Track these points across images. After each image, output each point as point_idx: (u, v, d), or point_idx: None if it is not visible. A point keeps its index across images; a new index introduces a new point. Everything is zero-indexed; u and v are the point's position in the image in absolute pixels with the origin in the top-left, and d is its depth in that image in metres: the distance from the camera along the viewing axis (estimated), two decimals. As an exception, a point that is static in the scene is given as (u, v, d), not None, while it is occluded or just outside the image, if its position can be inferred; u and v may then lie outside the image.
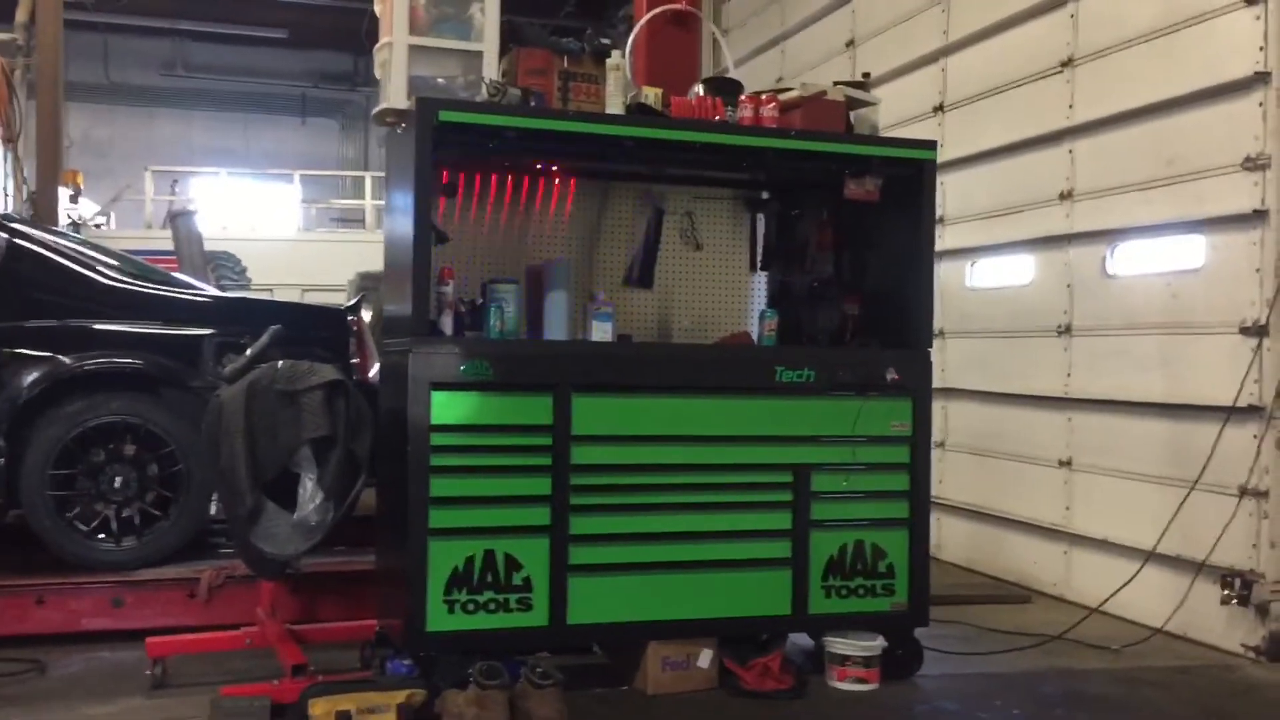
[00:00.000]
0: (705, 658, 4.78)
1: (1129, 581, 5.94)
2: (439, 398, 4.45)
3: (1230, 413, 5.55)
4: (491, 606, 4.49)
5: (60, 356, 5.61)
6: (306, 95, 23.28)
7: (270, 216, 19.59)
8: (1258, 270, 5.52)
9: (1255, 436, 5.48)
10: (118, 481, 5.60)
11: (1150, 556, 5.91)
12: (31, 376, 5.53)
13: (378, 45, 5.01)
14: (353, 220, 20.84)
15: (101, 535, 5.60)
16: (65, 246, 6.12)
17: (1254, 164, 5.52)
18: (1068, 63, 6.86)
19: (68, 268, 5.92)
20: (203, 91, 22.44)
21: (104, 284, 5.93)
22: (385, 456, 4.76)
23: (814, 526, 4.93)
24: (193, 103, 22.56)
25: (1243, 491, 5.51)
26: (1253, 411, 5.50)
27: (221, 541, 5.96)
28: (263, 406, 4.41)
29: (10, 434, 5.49)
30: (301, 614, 5.36)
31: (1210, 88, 5.78)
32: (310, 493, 4.42)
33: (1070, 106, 6.84)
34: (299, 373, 4.50)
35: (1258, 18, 5.53)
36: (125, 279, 6.03)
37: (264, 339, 4.71)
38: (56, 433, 5.52)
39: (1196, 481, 5.70)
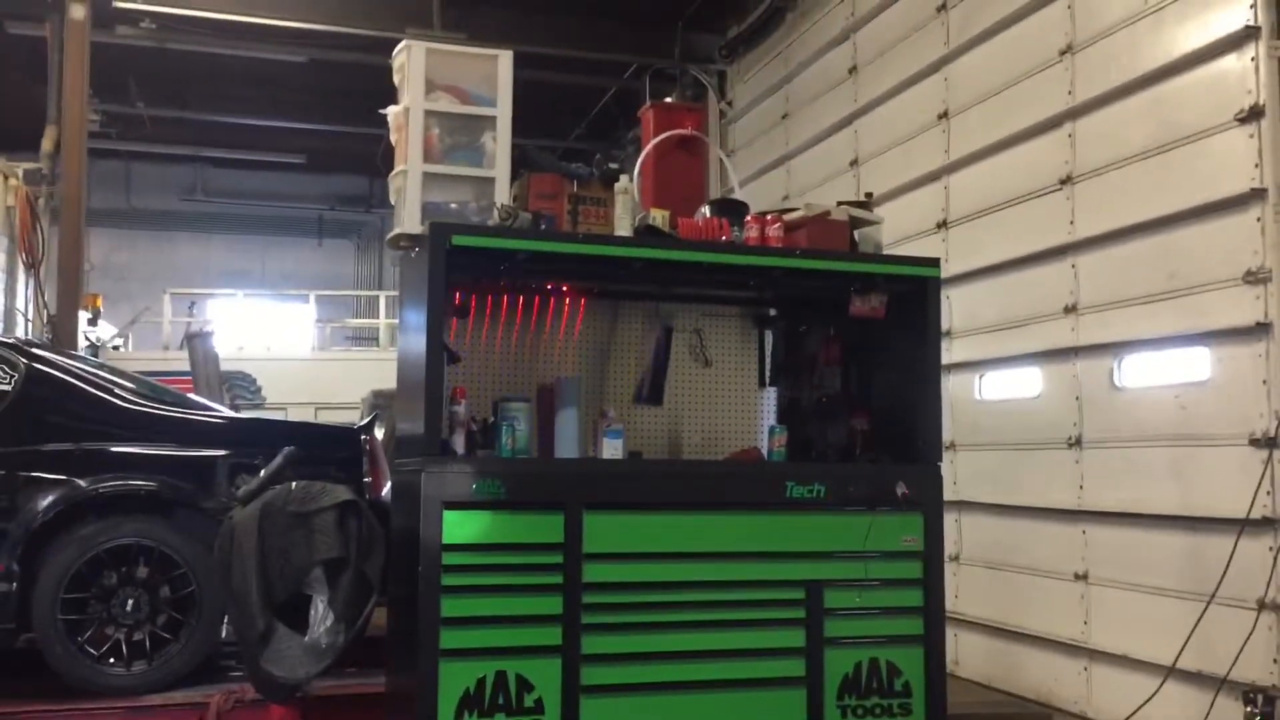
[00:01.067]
0: (720, 781, 4.70)
1: (1150, 699, 5.84)
2: (451, 517, 4.46)
3: (1244, 525, 5.52)
4: (503, 729, 4.44)
5: (76, 480, 5.64)
6: (323, 217, 23.70)
7: (285, 336, 19.79)
8: (1264, 382, 5.55)
9: (1270, 549, 5.44)
10: (129, 605, 5.59)
11: (1170, 672, 5.82)
12: (46, 500, 5.56)
13: (393, 173, 5.15)
14: (366, 338, 21.04)
15: (111, 659, 5.56)
16: (82, 370, 6.20)
17: (1255, 277, 5.59)
18: (1067, 180, 7.00)
19: (84, 391, 5.99)
20: (221, 215, 22.87)
21: (119, 406, 5.99)
22: (397, 576, 4.76)
23: (828, 644, 4.88)
24: (211, 226, 22.98)
25: (1261, 605, 5.45)
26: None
27: (232, 664, 5.91)
28: (275, 528, 4.45)
29: (23, 557, 5.50)
30: (312, 738, 5.29)
31: (1208, 204, 5.89)
32: (321, 614, 4.42)
33: (1071, 222, 6.96)
34: (312, 494, 4.54)
35: (1251, 135, 5.66)
36: (140, 401, 6.10)
37: (277, 460, 4.76)
38: (70, 556, 5.53)
39: (1214, 595, 5.64)
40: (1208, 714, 5.64)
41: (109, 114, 16.19)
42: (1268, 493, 5.47)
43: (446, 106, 5.11)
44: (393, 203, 5.21)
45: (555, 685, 4.51)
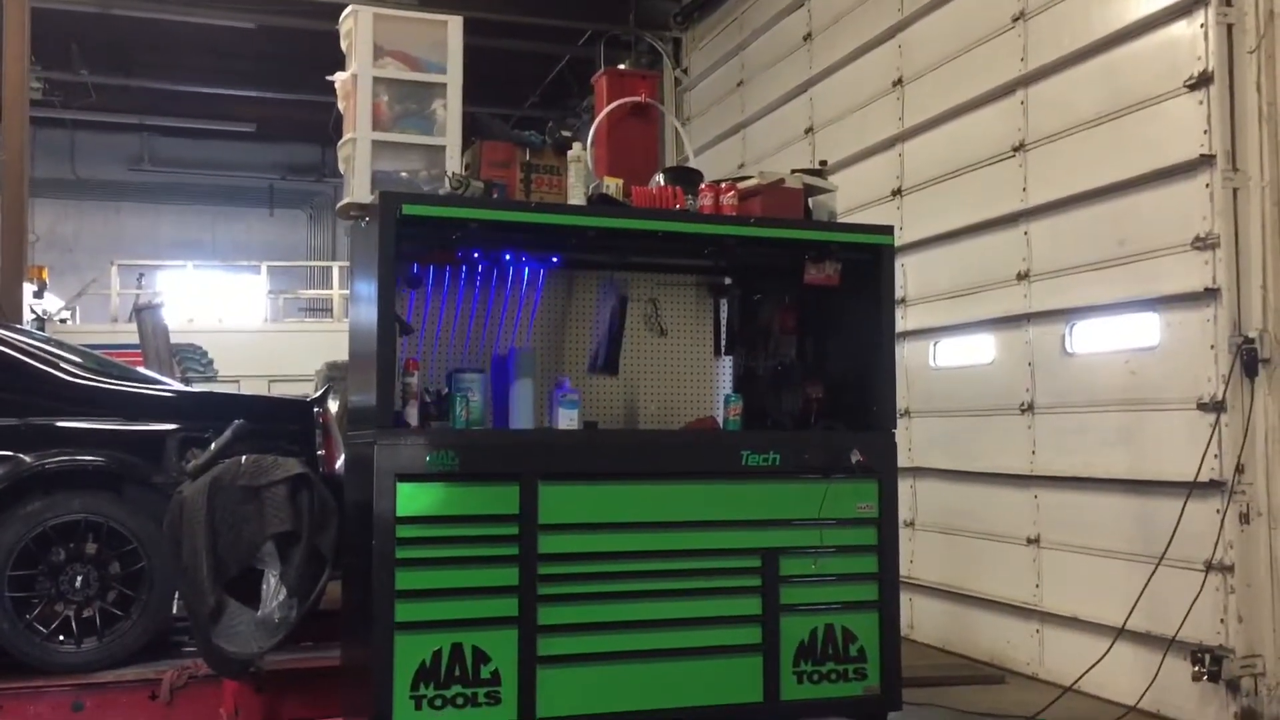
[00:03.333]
0: (677, 748, 4.72)
1: (1100, 660, 5.93)
2: (405, 489, 4.43)
3: (1192, 488, 5.60)
4: (460, 701, 4.42)
5: (21, 455, 5.54)
6: (274, 187, 23.40)
7: (237, 308, 19.57)
8: (1212, 347, 5.62)
9: (1218, 511, 5.52)
10: (78, 581, 5.51)
11: (1120, 634, 5.91)
12: (-9, 476, 5.46)
13: (341, 141, 5.07)
14: (320, 310, 20.85)
15: (61, 637, 5.48)
16: (26, 344, 6.08)
17: (1203, 243, 5.65)
18: (1020, 147, 7.03)
19: (29, 365, 5.88)
20: (170, 185, 22.51)
21: (65, 381, 5.88)
22: (351, 549, 4.72)
23: (784, 611, 4.90)
24: (160, 196, 22.61)
25: (1208, 566, 5.54)
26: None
27: (184, 640, 5.85)
28: (225, 502, 4.39)
29: (-32, 535, 5.40)
30: (266, 713, 5.24)
31: (1158, 170, 5.94)
32: (273, 589, 4.38)
33: (1024, 189, 6.99)
34: (262, 467, 4.49)
35: (1201, 102, 5.70)
36: (87, 375, 5.99)
37: (227, 434, 4.70)
38: (16, 533, 5.43)
39: (1162, 557, 5.73)
40: (1156, 673, 5.74)
41: (52, 81, 15.87)
42: (1215, 456, 5.55)
43: (395, 73, 5.03)
44: (342, 171, 5.13)
45: (512, 656, 4.50)
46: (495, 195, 4.80)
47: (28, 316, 12.14)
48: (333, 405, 6.63)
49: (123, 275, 18.64)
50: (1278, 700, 5.41)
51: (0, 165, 11.26)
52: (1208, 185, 5.66)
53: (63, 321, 17.01)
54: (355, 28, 5.00)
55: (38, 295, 14.33)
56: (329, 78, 5.19)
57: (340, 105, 5.14)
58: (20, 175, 10.97)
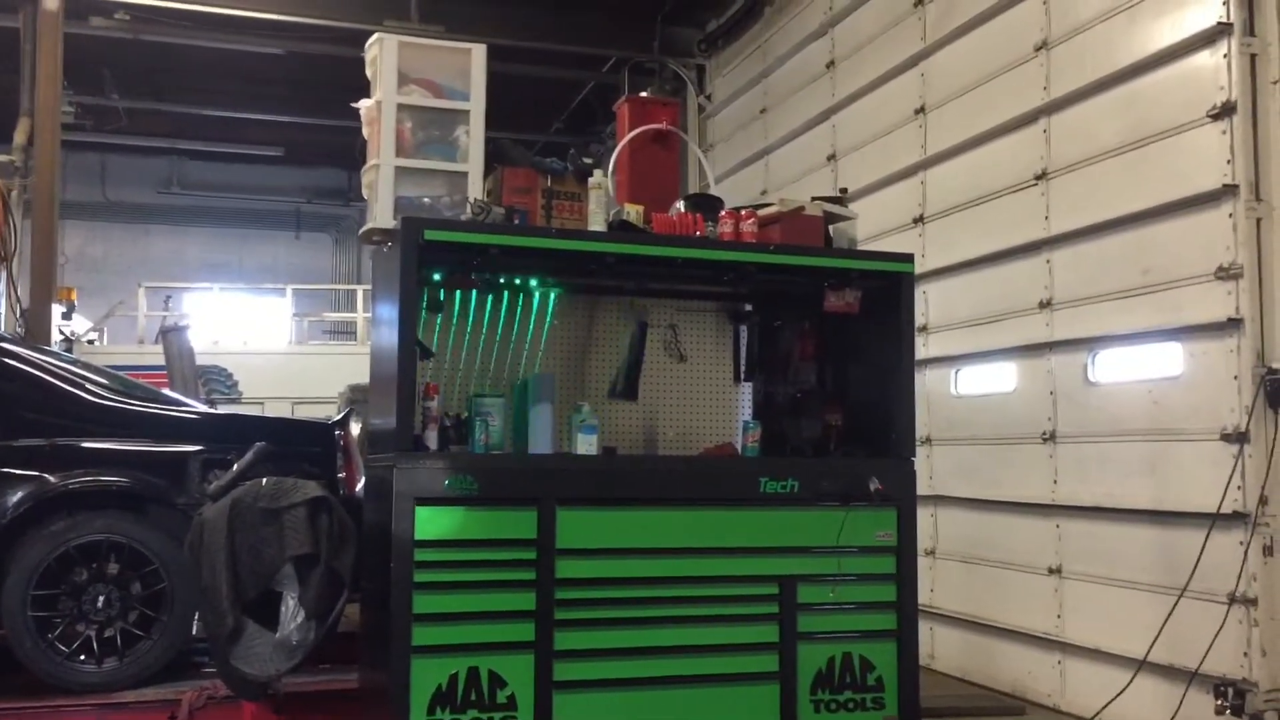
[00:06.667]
0: (693, 776, 4.70)
1: (1122, 692, 5.87)
2: (423, 513, 4.45)
3: (1215, 519, 5.54)
4: (476, 725, 4.43)
5: (46, 475, 5.60)
6: (301, 210, 23.58)
7: (262, 330, 19.71)
8: (1235, 378, 5.57)
9: (1241, 543, 5.47)
10: (100, 601, 5.56)
11: (1142, 665, 5.85)
12: (16, 496, 5.53)
13: (365, 167, 5.13)
14: (344, 333, 20.96)
15: (82, 656, 5.52)
16: (53, 365, 6.16)
17: (1227, 273, 5.61)
18: (1042, 175, 7.01)
19: (55, 386, 5.95)
20: (198, 208, 22.72)
21: (91, 402, 5.95)
22: (370, 572, 4.74)
23: (801, 639, 4.89)
24: (188, 219, 22.83)
25: (1231, 599, 5.48)
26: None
27: (205, 661, 5.89)
28: (246, 524, 4.42)
29: (-8, 554, 5.46)
30: (285, 735, 5.27)
31: (1180, 200, 5.91)
32: (292, 611, 4.40)
33: (1046, 218, 6.97)
34: (283, 490, 4.52)
35: (1224, 132, 5.68)
36: (111, 396, 6.06)
37: (249, 456, 4.74)
38: (40, 552, 5.50)
39: (1185, 589, 5.67)
40: (1179, 707, 5.67)
41: (83, 106, 16.04)
42: (1238, 487, 5.49)
43: (419, 100, 5.09)
44: (366, 197, 5.18)
45: (528, 681, 4.51)
46: (516, 221, 4.85)
47: (56, 337, 12.26)
48: (355, 428, 6.68)
49: (150, 297, 18.82)
50: (1302, 735, 5.34)
51: (31, 188, 11.41)
52: (1230, 215, 5.63)
53: (90, 343, 17.17)
54: (380, 55, 5.07)
55: (66, 316, 14.47)
56: (354, 104, 5.25)
57: (365, 131, 5.19)
58: (50, 198, 11.09)
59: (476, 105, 5.12)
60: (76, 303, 15.77)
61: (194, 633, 5.78)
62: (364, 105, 5.18)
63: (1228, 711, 5.41)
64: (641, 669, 4.67)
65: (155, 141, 19.98)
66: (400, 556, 4.40)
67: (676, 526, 4.79)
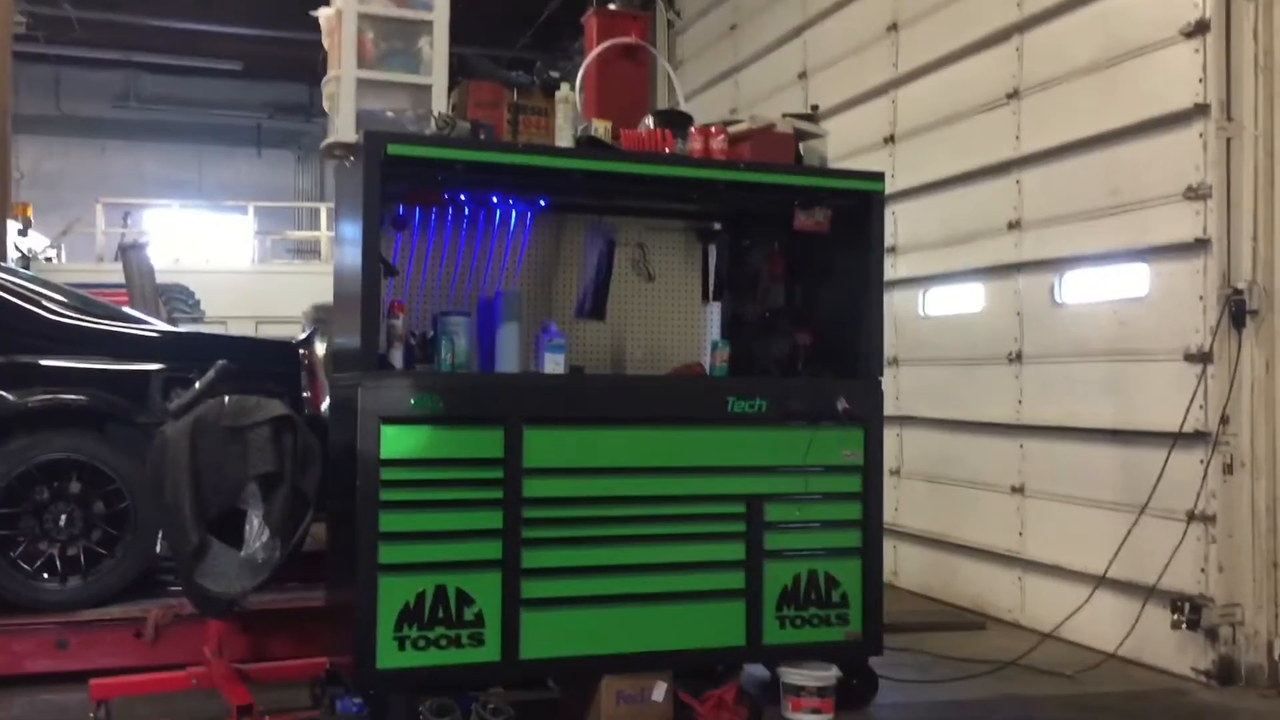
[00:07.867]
0: (660, 691, 4.74)
1: (1081, 607, 5.98)
2: (389, 432, 4.41)
3: (1177, 438, 5.61)
4: (443, 642, 4.44)
5: (4, 393, 5.52)
6: (262, 126, 23.15)
7: (224, 249, 19.45)
8: (1201, 298, 5.61)
9: (1201, 462, 5.54)
10: (62, 520, 5.51)
11: (1101, 582, 5.96)
12: (-27, 415, 5.43)
13: (326, 79, 5.00)
14: (308, 252, 20.72)
15: (45, 575, 5.49)
16: (10, 282, 6.03)
17: (1195, 194, 5.61)
18: (1014, 94, 6.96)
19: (12, 303, 5.83)
20: (156, 123, 22.24)
21: (50, 319, 5.84)
22: (335, 491, 4.71)
23: (767, 557, 4.92)
24: (146, 135, 22.35)
25: (1190, 516, 5.57)
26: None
27: (170, 579, 5.86)
28: (208, 443, 4.36)
29: (-48, 472, 5.39)
30: (251, 652, 5.28)
31: (1152, 119, 5.88)
32: (257, 530, 4.37)
33: (1017, 137, 6.94)
34: (245, 408, 4.46)
35: (1197, 50, 5.64)
36: (71, 314, 5.95)
37: (210, 374, 4.65)
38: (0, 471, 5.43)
39: (1145, 507, 5.76)
40: (1136, 621, 5.79)
41: (35, 16, 15.58)
42: (1200, 407, 5.56)
43: (380, 9, 4.95)
44: (326, 110, 5.06)
45: (495, 599, 4.52)
46: (482, 136, 4.74)
47: (12, 254, 12.03)
48: (319, 347, 6.61)
49: (108, 214, 18.50)
50: (1255, 649, 5.47)
51: (-18, 100, 11.10)
52: (1201, 135, 5.61)
53: (48, 260, 16.90)
54: (341, -38, 4.91)
55: (22, 233, 14.20)
56: (314, 13, 5.10)
57: (325, 42, 5.05)
58: (4, 112, 10.82)
59: (440, 15, 4.99)
60: (32, 219, 15.46)
61: (158, 551, 5.74)
62: (323, 14, 5.04)
63: (1184, 626, 5.53)
64: (609, 587, 4.69)
65: (110, 53, 19.49)
66: (366, 475, 4.37)
67: (644, 446, 4.78)
